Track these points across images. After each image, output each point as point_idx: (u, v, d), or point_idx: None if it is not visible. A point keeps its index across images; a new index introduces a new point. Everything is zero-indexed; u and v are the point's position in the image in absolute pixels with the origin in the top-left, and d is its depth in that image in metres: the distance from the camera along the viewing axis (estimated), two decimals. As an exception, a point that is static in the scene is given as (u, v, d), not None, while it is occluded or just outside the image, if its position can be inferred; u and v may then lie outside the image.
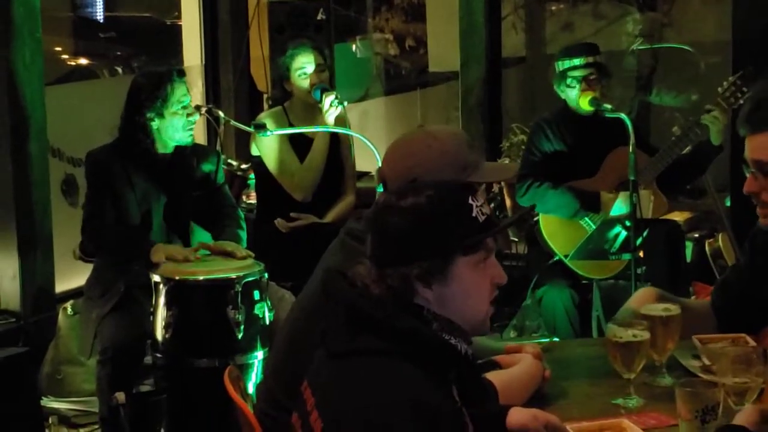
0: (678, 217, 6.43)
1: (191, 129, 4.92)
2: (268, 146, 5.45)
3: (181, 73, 4.99)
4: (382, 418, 2.13)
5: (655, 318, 3.03)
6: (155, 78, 4.95)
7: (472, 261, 2.30)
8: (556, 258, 5.42)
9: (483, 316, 2.36)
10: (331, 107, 5.37)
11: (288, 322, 3.07)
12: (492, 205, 6.48)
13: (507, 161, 6.85)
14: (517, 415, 2.55)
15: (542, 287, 5.39)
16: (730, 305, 3.33)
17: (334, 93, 5.43)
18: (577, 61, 5.47)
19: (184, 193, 4.96)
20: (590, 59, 5.48)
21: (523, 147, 6.02)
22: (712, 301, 3.40)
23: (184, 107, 4.88)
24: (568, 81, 5.47)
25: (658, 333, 2.99)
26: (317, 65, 5.49)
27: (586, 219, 5.39)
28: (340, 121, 5.48)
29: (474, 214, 2.30)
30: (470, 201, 2.31)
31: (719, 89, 5.21)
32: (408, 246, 2.27)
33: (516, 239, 6.54)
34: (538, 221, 5.51)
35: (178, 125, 4.88)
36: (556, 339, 4.78)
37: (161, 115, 4.86)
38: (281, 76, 5.53)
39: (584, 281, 5.44)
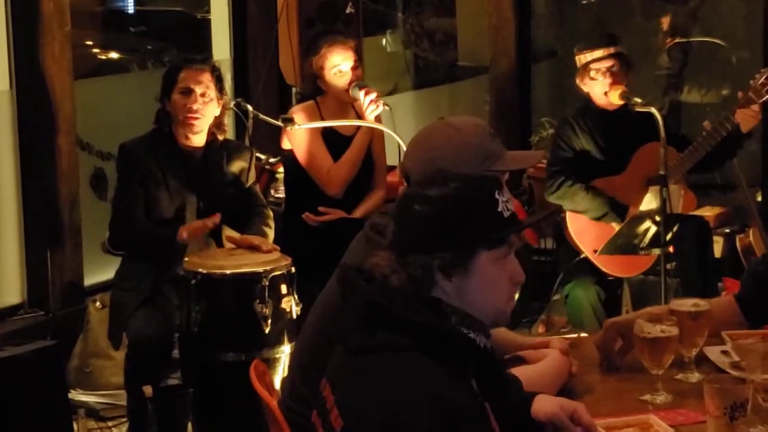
0: (708, 212, 6.39)
1: (190, 119, 4.83)
2: (300, 141, 5.43)
3: (194, 62, 4.94)
4: (402, 416, 2.12)
5: (684, 313, 3.01)
6: (172, 65, 4.97)
7: (494, 256, 2.29)
8: (583, 255, 5.38)
9: (501, 311, 2.35)
10: (371, 105, 5.33)
11: (312, 318, 3.07)
12: (524, 197, 6.46)
13: (535, 152, 6.80)
14: (542, 404, 2.53)
15: (568, 284, 5.36)
16: (759, 295, 3.30)
17: (375, 92, 5.38)
18: (599, 53, 5.38)
19: (217, 191, 4.95)
20: (612, 50, 5.38)
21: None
22: (740, 291, 3.37)
23: (186, 89, 4.82)
24: (592, 74, 5.38)
25: (686, 329, 2.97)
26: (353, 62, 5.45)
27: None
28: (377, 118, 5.46)
29: (500, 209, 2.30)
30: (496, 195, 2.30)
31: (751, 82, 5.15)
32: (432, 235, 2.26)
33: (543, 236, 6.52)
34: (564, 218, 5.47)
35: (178, 112, 4.85)
36: (584, 334, 4.75)
37: (171, 101, 4.86)
38: (314, 75, 5.45)
39: (611, 277, 5.41)
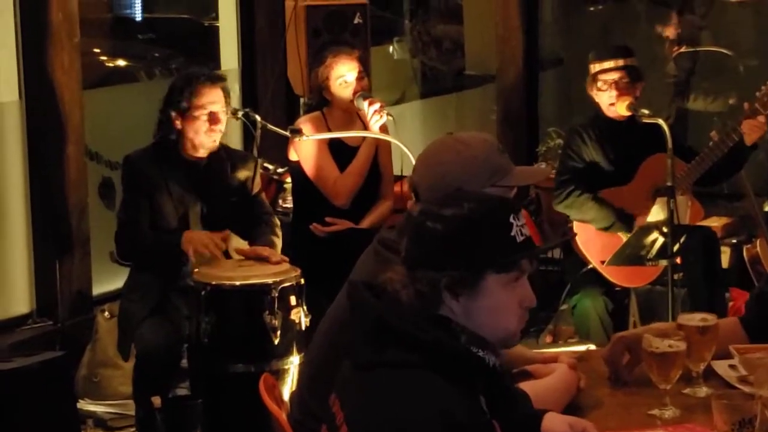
0: (716, 222, 6.38)
1: (212, 137, 4.86)
2: (306, 152, 5.43)
3: (215, 78, 4.96)
4: None
5: (692, 328, 3.01)
6: (188, 78, 4.97)
7: (503, 279, 2.29)
8: (590, 265, 5.39)
9: (508, 334, 2.34)
10: (375, 115, 5.34)
11: (321, 332, 3.07)
12: (532, 207, 6.46)
13: (543, 165, 6.80)
14: (552, 423, 2.54)
15: (575, 295, 5.36)
16: (762, 315, 3.29)
17: (379, 102, 5.39)
18: (608, 64, 5.40)
19: (221, 198, 4.96)
20: (621, 62, 5.39)
21: (560, 151, 5.99)
22: (746, 313, 3.36)
23: (211, 113, 4.84)
24: (599, 84, 5.39)
25: (694, 343, 2.97)
26: (358, 73, 5.46)
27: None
28: (382, 128, 5.46)
29: (513, 233, 2.29)
30: (511, 220, 2.29)
31: (757, 93, 5.15)
32: (441, 252, 2.26)
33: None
34: (572, 228, 5.47)
35: (199, 130, 4.86)
36: (592, 346, 4.75)
37: (184, 116, 4.86)
38: (319, 86, 5.47)
39: (618, 288, 5.41)
